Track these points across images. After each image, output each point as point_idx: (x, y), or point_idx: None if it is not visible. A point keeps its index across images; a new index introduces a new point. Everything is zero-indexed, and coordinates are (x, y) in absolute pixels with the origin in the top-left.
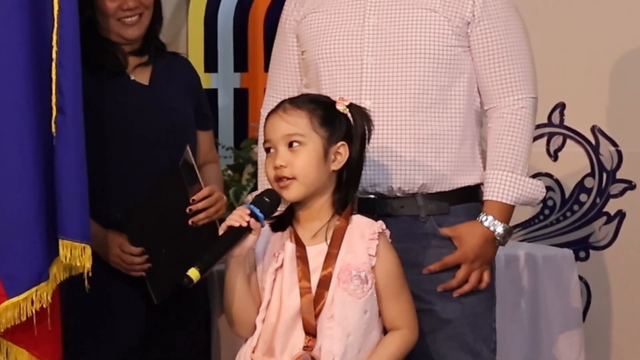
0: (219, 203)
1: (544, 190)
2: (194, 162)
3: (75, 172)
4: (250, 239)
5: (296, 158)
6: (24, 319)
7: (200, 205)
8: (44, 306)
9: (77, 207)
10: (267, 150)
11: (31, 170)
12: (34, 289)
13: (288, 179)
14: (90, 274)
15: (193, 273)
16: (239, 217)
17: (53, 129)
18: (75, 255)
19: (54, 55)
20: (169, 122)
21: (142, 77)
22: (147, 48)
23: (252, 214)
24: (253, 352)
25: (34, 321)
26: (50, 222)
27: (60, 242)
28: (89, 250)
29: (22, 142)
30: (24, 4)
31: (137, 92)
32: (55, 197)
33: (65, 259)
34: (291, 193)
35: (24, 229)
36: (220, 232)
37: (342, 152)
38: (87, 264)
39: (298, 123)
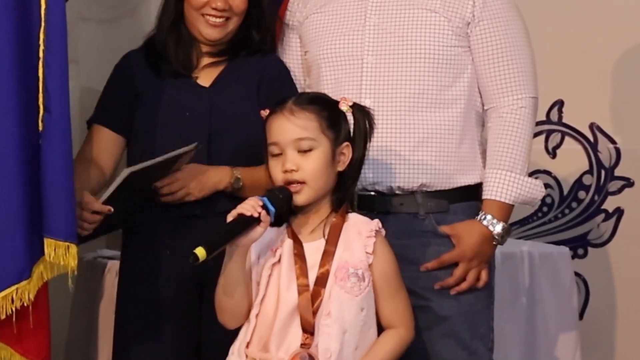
0: (182, 190)
1: (544, 189)
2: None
3: (61, 171)
4: (257, 230)
5: (306, 162)
6: (3, 317)
7: (164, 189)
8: (25, 304)
9: (62, 205)
10: (273, 152)
11: (15, 168)
12: (13, 288)
13: (298, 182)
14: (75, 273)
15: (200, 252)
16: (251, 207)
17: (40, 128)
18: (59, 254)
19: (40, 54)
20: (219, 124)
21: (207, 77)
22: (230, 52)
23: (264, 207)
24: (247, 347)
25: (14, 318)
26: (35, 220)
27: (45, 240)
28: (73, 249)
29: (7, 140)
30: (9, 2)
31: (194, 93)
32: (40, 196)
33: (50, 257)
34: (302, 197)
35: (5, 227)
36: (230, 218)
37: (346, 153)
38: (72, 263)
39: (308, 127)
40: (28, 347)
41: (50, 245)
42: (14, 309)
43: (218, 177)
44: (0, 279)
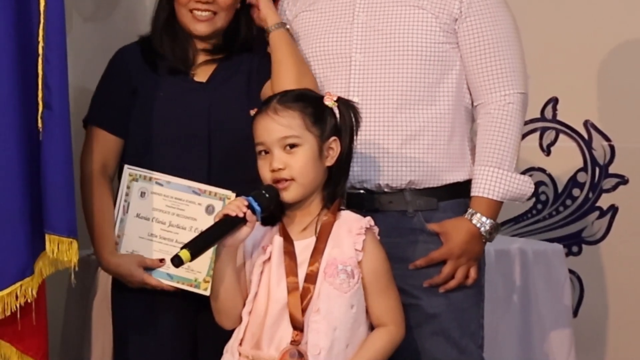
0: None
1: (532, 186)
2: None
3: (62, 167)
4: (244, 230)
5: (293, 159)
6: (8, 313)
7: None
8: (29, 301)
9: (64, 201)
10: (260, 152)
11: (16, 165)
12: (18, 284)
13: (286, 180)
14: (77, 268)
15: (184, 254)
16: (236, 207)
17: (39, 124)
18: (62, 250)
19: (40, 51)
20: (218, 121)
21: (203, 74)
22: (223, 48)
23: (250, 206)
24: (240, 344)
25: (18, 316)
26: (36, 217)
27: (47, 236)
28: (75, 245)
29: (7, 137)
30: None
31: (192, 89)
32: (41, 192)
33: (52, 253)
34: (290, 194)
35: (8, 224)
36: (216, 219)
37: (334, 147)
38: (74, 258)
39: (292, 124)
40: (28, 344)
41: (53, 242)
42: (18, 306)
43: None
44: (4, 276)
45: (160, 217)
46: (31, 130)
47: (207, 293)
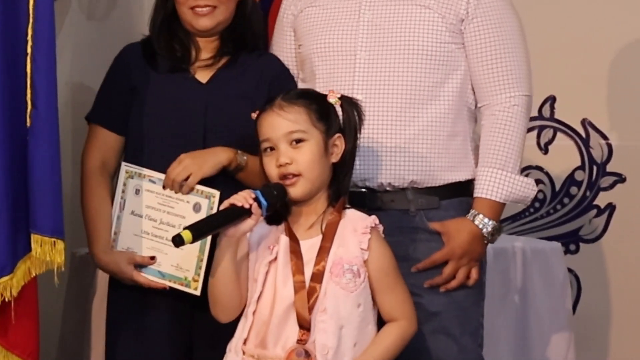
0: (180, 173)
1: (535, 188)
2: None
3: (48, 167)
4: (247, 223)
5: (299, 154)
6: None
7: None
8: (7, 300)
9: (49, 201)
10: (266, 149)
11: (1, 164)
12: None
13: (294, 175)
14: (62, 269)
15: (186, 234)
16: (243, 198)
17: (28, 124)
18: (46, 250)
19: (28, 50)
20: (214, 121)
21: (204, 74)
22: (224, 46)
23: (257, 200)
24: (244, 343)
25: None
26: (20, 216)
27: (32, 236)
28: (60, 245)
29: None
30: None
31: (190, 88)
32: (27, 192)
33: (36, 253)
34: (297, 190)
35: None
36: (222, 207)
37: (338, 144)
38: (58, 259)
39: (298, 119)
40: (14, 342)
41: (36, 241)
42: None
43: (219, 152)
44: None
45: (152, 214)
46: (19, 130)
47: (198, 292)
